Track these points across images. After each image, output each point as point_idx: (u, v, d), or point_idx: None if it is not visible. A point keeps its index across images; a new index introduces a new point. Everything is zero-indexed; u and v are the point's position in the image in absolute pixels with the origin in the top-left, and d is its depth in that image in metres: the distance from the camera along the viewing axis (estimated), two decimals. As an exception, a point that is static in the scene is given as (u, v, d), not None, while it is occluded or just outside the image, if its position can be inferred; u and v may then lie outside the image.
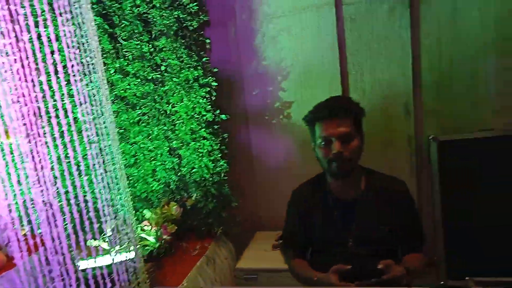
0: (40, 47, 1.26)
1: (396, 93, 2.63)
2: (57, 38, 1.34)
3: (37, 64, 1.29)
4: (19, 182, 1.32)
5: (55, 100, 1.31)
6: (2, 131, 1.29)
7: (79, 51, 1.46)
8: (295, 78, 2.74)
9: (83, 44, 1.47)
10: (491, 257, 2.51)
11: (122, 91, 2.48)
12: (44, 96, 1.32)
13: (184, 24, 2.48)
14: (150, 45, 2.46)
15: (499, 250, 2.50)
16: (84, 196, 1.50)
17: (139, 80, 2.47)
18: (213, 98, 2.62)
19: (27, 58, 1.27)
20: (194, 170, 2.60)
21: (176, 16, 2.42)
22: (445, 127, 2.61)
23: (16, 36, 1.26)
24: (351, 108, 1.55)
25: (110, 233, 1.73)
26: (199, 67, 2.50)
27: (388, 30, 2.55)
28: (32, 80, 1.31)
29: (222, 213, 2.72)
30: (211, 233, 2.71)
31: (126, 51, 2.42)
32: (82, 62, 1.46)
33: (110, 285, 1.63)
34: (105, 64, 2.41)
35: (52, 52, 1.29)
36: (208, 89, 2.55)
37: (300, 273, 1.67)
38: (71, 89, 1.39)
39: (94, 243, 1.74)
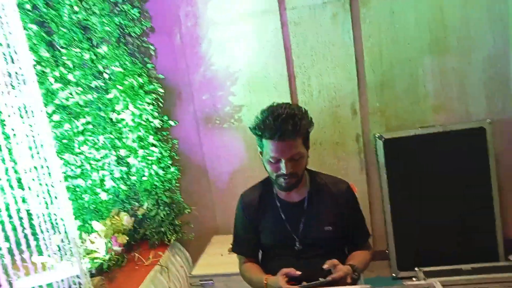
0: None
1: (343, 95, 2.71)
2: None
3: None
4: None
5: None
6: None
7: (6, 62, 1.39)
8: (244, 83, 2.76)
9: (10, 54, 1.40)
10: (436, 249, 2.63)
11: (64, 100, 2.39)
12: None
13: (126, 31, 2.43)
14: (92, 52, 2.39)
15: (442, 242, 2.63)
16: (18, 212, 1.43)
17: (81, 88, 2.39)
18: (161, 104, 2.58)
19: None
20: (144, 179, 2.54)
21: (117, 22, 2.37)
22: (390, 125, 2.72)
23: None
24: (301, 128, 1.47)
25: (52, 249, 1.67)
26: (143, 74, 2.45)
27: (331, 35, 2.62)
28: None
29: (175, 221, 2.68)
30: (164, 241, 2.67)
31: (66, 59, 2.34)
32: (9, 73, 1.40)
33: (51, 303, 1.56)
34: (44, 73, 2.31)
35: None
36: (155, 95, 2.51)
37: (251, 277, 1.67)
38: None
39: (36, 259, 1.67)
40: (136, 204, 2.69)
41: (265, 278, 1.54)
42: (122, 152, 2.56)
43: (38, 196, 1.50)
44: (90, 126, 2.52)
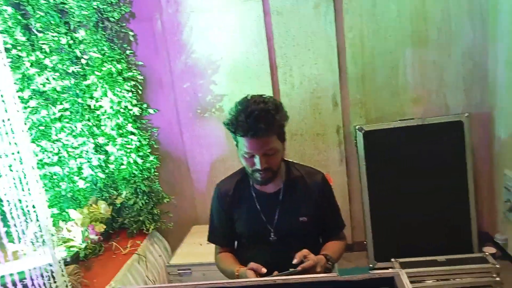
0: None
1: (324, 86, 2.71)
2: None
3: None
4: None
5: None
6: None
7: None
8: (226, 72, 2.74)
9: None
10: (412, 240, 2.68)
11: (41, 86, 2.34)
12: None
13: (105, 15, 2.38)
14: (69, 37, 2.34)
15: (419, 233, 2.67)
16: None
17: (58, 73, 2.34)
18: (140, 92, 2.54)
19: None
20: (122, 167, 2.52)
21: (95, 6, 2.32)
22: (370, 116, 2.74)
23: None
24: (275, 125, 1.46)
25: (25, 237, 1.64)
26: (122, 60, 2.41)
27: (314, 25, 2.61)
28: None
29: (154, 210, 2.67)
30: (143, 230, 2.66)
31: (42, 43, 2.28)
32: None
33: (22, 291, 1.54)
34: (19, 57, 2.26)
35: None
36: (134, 83, 2.47)
37: (224, 267, 1.68)
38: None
39: (9, 247, 1.65)
40: (115, 192, 2.66)
41: (237, 270, 1.54)
42: (100, 140, 2.53)
43: (9, 183, 1.47)
44: (67, 113, 2.48)
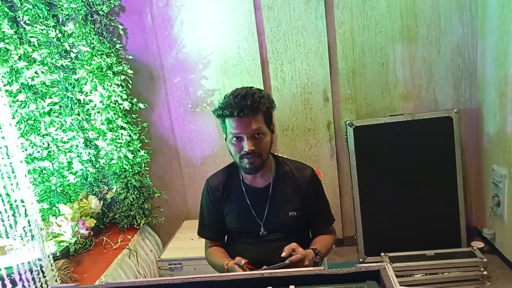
0: None
1: (315, 81, 2.72)
2: None
3: None
4: None
5: None
6: None
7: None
8: (217, 66, 2.73)
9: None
10: (402, 234, 2.71)
11: (29, 80, 2.32)
12: None
13: (94, 9, 2.36)
14: (57, 30, 2.31)
15: (409, 228, 2.70)
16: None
17: (47, 67, 2.32)
18: (130, 86, 2.53)
19: None
20: (113, 162, 2.51)
21: (84, -1, 2.30)
22: (360, 112, 2.75)
23: None
24: (261, 105, 1.48)
25: (14, 232, 1.63)
26: (112, 54, 2.39)
27: (304, 20, 2.61)
28: None
29: (145, 205, 2.66)
30: (134, 225, 2.65)
31: (30, 37, 2.26)
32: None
33: (10, 286, 1.54)
34: (7, 50, 2.23)
35: None
36: (124, 77, 2.46)
37: (214, 261, 1.69)
38: None
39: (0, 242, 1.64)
40: (105, 187, 2.66)
41: (226, 264, 1.55)
42: (90, 134, 2.51)
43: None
44: (57, 107, 2.46)
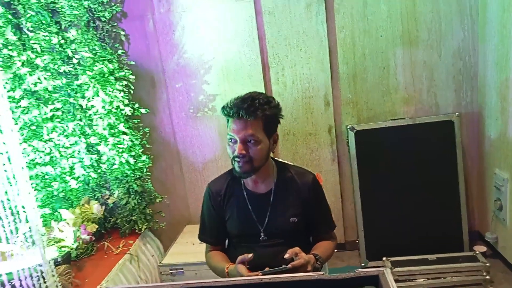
0: None
1: (316, 86, 2.72)
2: None
3: None
4: None
5: None
6: None
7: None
8: (218, 72, 2.74)
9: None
10: (404, 239, 2.70)
11: (32, 86, 2.33)
12: None
13: (96, 15, 2.38)
14: (60, 36, 2.33)
15: (410, 232, 2.69)
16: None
17: (50, 73, 2.34)
18: (131, 92, 2.54)
19: None
20: (114, 167, 2.52)
21: (86, 6, 2.31)
22: (361, 116, 2.75)
23: None
24: (258, 111, 1.47)
25: (15, 237, 1.64)
26: (114, 60, 2.41)
27: (305, 25, 2.62)
28: None
29: (146, 210, 2.67)
30: (135, 230, 2.66)
31: (33, 43, 2.27)
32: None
33: (11, 291, 1.54)
34: (10, 56, 2.25)
35: None
36: (126, 82, 2.47)
37: (214, 265, 1.69)
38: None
39: (1, 247, 1.65)
40: (107, 192, 2.66)
41: (227, 267, 1.55)
42: (92, 140, 2.52)
43: None
44: (59, 113, 2.47)
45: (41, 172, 2.51)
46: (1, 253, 1.54)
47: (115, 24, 2.56)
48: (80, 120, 2.51)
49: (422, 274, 2.45)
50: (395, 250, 2.62)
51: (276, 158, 1.76)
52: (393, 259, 2.56)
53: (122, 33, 2.59)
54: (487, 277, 2.35)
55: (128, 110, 2.49)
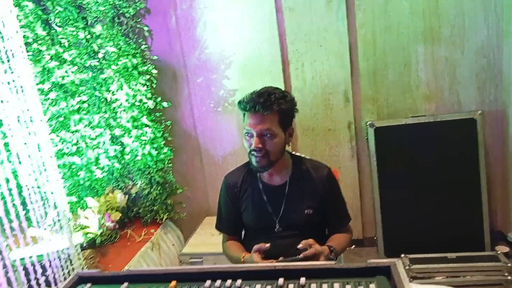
0: None
1: (336, 82, 2.73)
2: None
3: None
4: None
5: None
6: None
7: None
8: (238, 67, 2.79)
9: None
10: (423, 236, 2.68)
11: (60, 79, 2.43)
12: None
13: (121, 11, 2.46)
14: (86, 31, 2.42)
15: (430, 230, 2.67)
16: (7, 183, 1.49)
17: (76, 67, 2.43)
18: (154, 86, 2.62)
19: None
20: (137, 158, 2.60)
21: (111, 2, 2.40)
22: (381, 113, 2.74)
23: None
24: (274, 105, 1.50)
25: (45, 222, 1.73)
26: (137, 55, 2.49)
27: (326, 22, 2.63)
28: None
29: (167, 200, 2.74)
30: (157, 220, 2.74)
31: (61, 38, 2.37)
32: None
33: (41, 270, 1.63)
34: (40, 51, 2.36)
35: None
36: (149, 76, 2.54)
37: (231, 255, 1.73)
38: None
39: (31, 232, 1.74)
40: (130, 182, 2.75)
41: (242, 256, 1.59)
42: (117, 132, 2.61)
43: (28, 170, 1.55)
44: (85, 105, 2.57)
45: (68, 162, 2.62)
46: (32, 237, 1.63)
47: (139, 20, 2.64)
48: (105, 112, 2.60)
49: (441, 272, 2.42)
50: (414, 248, 2.59)
51: (291, 151, 1.79)
52: (411, 256, 2.54)
53: (146, 28, 2.66)
54: (509, 277, 2.30)
55: (150, 104, 2.56)
